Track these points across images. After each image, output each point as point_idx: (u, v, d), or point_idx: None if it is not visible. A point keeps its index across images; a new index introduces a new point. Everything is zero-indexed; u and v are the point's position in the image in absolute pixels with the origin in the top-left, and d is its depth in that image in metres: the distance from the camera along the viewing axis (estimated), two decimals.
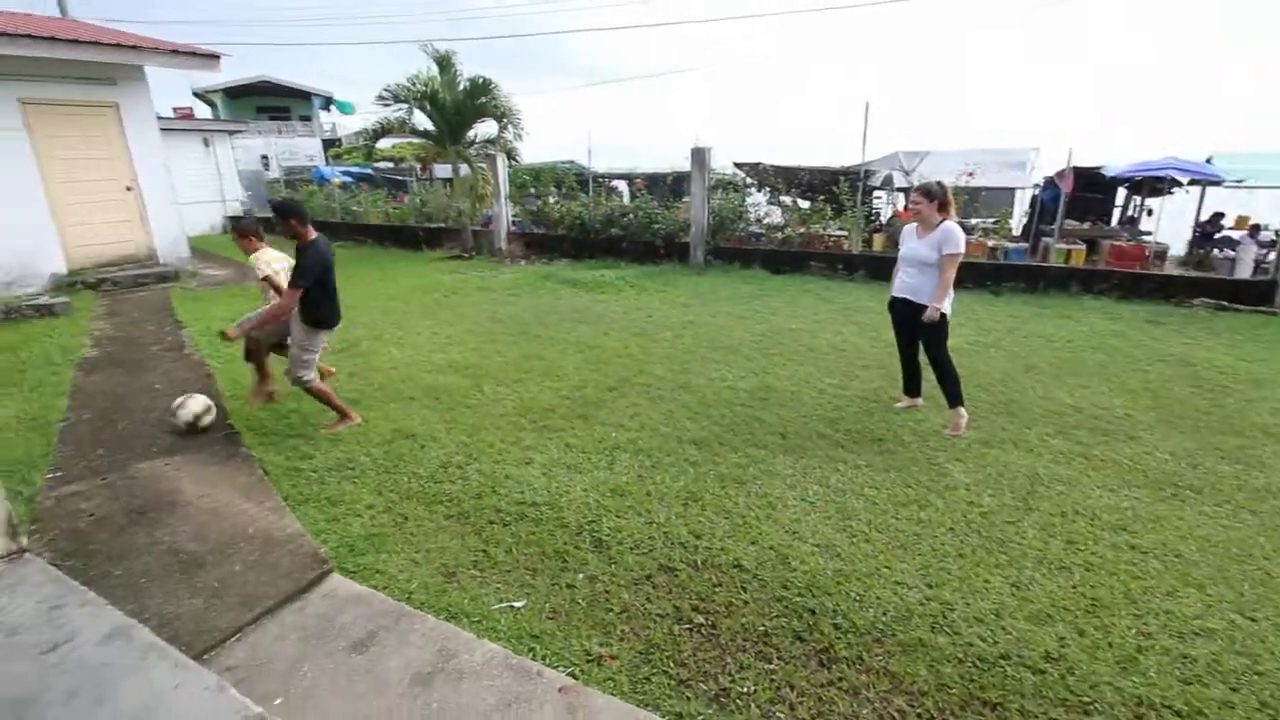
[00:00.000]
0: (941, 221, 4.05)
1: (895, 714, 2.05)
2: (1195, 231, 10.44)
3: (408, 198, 16.07)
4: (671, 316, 7.41)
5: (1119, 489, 3.45)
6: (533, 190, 15.13)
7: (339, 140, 26.96)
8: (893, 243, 9.15)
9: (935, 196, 4.07)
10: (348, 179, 18.23)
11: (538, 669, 2.15)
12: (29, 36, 7.64)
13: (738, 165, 13.26)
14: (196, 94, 25.10)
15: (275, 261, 4.49)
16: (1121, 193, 12.48)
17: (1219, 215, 10.75)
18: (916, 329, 4.23)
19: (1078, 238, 9.88)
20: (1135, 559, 2.83)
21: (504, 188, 12.35)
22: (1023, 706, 2.07)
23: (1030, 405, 4.63)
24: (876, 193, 12.81)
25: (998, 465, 3.70)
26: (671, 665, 2.23)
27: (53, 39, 7.93)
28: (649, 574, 2.73)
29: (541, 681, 2.09)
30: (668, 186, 15.06)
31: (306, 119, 27.95)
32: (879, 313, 4.47)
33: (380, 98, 11.68)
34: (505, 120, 12.43)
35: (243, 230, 4.54)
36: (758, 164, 12.72)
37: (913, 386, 4.56)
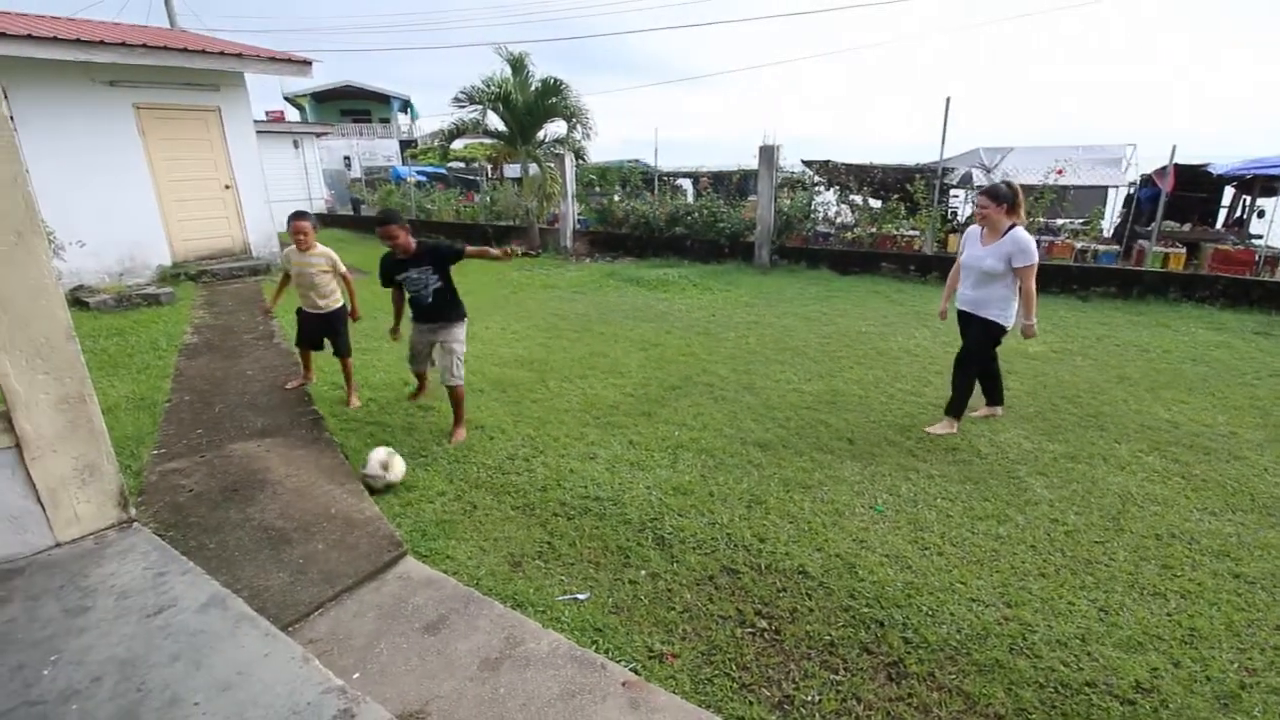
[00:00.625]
0: (1011, 227, 3.74)
1: None
2: None
3: (478, 196, 16.54)
4: (735, 316, 7.35)
5: (1221, 512, 3.20)
6: (598, 189, 15.30)
7: (415, 141, 28.09)
8: None
9: (1003, 199, 3.75)
10: (422, 178, 18.93)
11: (601, 662, 2.18)
12: (145, 46, 8.29)
13: (806, 163, 12.98)
14: (287, 98, 26.66)
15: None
16: (1229, 192, 11.51)
17: None
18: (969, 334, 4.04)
19: (1178, 240, 9.19)
20: (1239, 588, 2.62)
21: (571, 187, 12.54)
22: None
23: (1122, 419, 4.35)
24: (954, 192, 12.29)
25: (1085, 481, 3.49)
26: (734, 668, 2.21)
27: (166, 48, 8.58)
28: (711, 575, 2.72)
29: (605, 674, 2.12)
30: (733, 185, 14.91)
31: (385, 121, 29.26)
32: (950, 317, 4.29)
33: (456, 100, 12.04)
34: (574, 120, 12.61)
35: (314, 223, 4.56)
36: (828, 162, 12.40)
37: (991, 395, 4.35)
